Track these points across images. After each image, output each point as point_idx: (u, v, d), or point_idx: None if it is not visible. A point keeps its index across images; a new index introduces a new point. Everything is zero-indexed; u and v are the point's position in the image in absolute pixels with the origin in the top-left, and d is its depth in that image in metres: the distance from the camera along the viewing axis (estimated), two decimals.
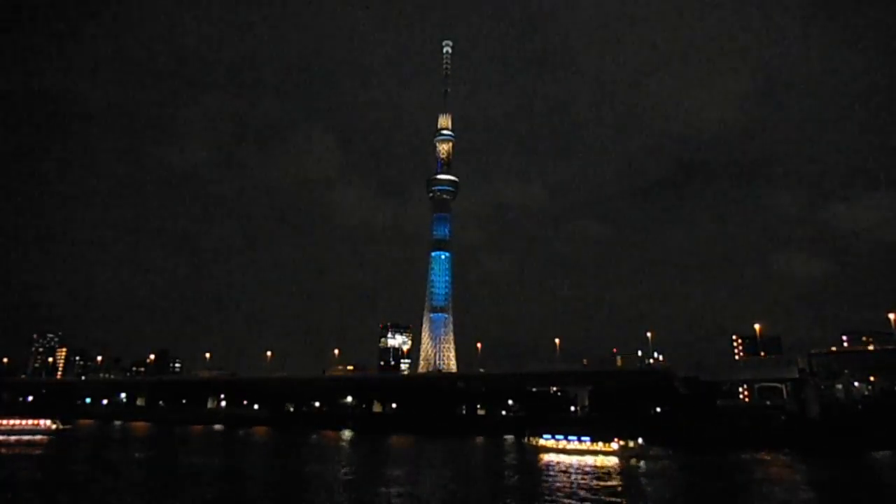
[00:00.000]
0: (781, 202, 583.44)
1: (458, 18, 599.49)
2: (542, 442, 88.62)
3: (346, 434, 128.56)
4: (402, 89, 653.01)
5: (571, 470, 66.87)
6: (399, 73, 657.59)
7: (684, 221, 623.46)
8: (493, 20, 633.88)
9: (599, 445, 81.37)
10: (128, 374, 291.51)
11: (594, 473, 64.22)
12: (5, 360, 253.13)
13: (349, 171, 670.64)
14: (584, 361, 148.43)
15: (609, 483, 57.71)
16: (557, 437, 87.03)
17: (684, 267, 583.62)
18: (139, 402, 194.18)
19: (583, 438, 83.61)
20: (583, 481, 58.50)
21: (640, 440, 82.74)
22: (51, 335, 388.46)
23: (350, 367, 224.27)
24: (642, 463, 74.73)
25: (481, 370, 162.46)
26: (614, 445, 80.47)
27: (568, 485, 56.08)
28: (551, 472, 65.07)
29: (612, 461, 75.01)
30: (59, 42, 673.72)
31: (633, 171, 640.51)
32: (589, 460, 75.88)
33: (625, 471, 67.24)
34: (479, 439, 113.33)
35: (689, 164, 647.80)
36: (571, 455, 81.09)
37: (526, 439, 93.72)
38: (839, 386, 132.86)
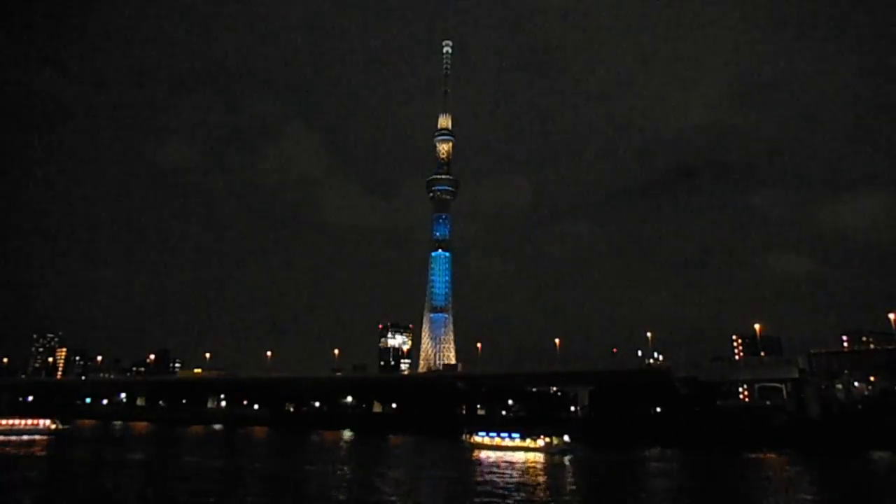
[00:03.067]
0: (772, 202, 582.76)
1: (454, 19, 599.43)
2: (477, 439, 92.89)
3: (346, 434, 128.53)
4: (393, 88, 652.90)
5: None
6: (390, 72, 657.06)
7: (682, 221, 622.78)
8: (488, 21, 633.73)
9: (527, 442, 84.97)
10: (128, 374, 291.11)
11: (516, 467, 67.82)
12: (5, 360, 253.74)
13: (341, 170, 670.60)
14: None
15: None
16: (491, 434, 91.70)
17: (684, 267, 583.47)
18: (139, 402, 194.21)
19: (513, 435, 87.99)
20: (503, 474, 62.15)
21: (565, 437, 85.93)
22: (51, 335, 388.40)
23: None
24: (566, 459, 77.46)
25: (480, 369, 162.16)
26: (540, 442, 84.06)
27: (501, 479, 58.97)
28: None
29: (539, 457, 78.33)
30: (50, 42, 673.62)
31: (628, 172, 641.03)
32: (518, 456, 79.03)
33: (547, 466, 70.97)
34: None
35: (682, 164, 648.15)
36: (503, 451, 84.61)
37: (464, 436, 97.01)
38: (839, 386, 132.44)
